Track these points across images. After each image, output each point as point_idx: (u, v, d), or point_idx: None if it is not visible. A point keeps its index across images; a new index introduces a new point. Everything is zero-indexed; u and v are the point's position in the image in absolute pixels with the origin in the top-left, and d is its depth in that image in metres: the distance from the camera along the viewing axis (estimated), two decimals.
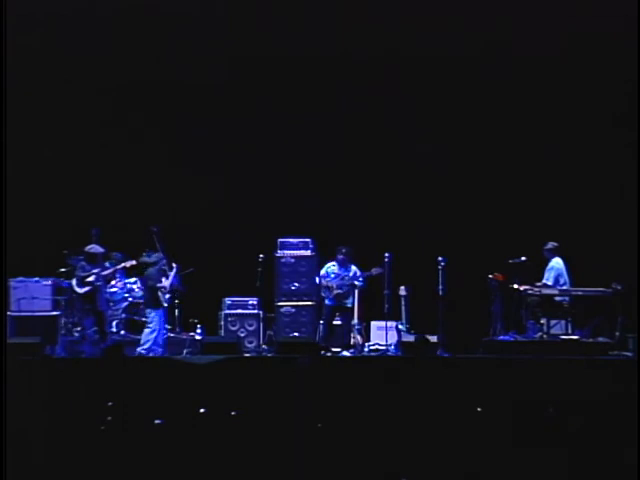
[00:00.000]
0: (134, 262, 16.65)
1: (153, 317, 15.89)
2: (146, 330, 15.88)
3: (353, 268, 16.60)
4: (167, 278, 16.12)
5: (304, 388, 12.99)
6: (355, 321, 16.53)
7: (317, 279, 16.82)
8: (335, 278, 16.60)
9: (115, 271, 16.69)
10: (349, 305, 16.57)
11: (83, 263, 15.98)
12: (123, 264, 16.56)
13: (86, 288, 15.88)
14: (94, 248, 16.06)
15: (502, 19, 17.85)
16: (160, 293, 15.97)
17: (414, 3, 18.01)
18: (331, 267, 16.70)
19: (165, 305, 16.11)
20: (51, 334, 16.07)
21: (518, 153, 18.13)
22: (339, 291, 16.53)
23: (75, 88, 18.21)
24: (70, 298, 16.54)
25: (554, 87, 18.01)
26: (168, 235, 17.47)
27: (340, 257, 16.66)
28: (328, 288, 16.60)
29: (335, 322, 16.79)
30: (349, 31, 18.02)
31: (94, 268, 15.93)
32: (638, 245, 16.77)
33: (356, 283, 16.52)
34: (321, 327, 16.83)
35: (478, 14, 17.90)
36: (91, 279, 15.87)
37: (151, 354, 15.42)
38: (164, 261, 16.21)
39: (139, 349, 15.67)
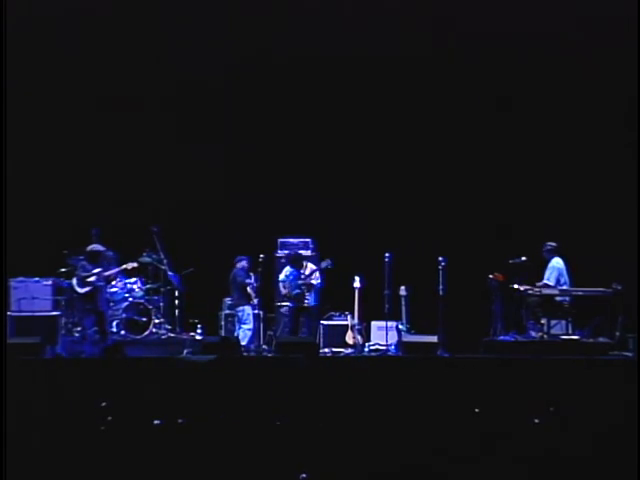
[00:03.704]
0: (135, 264, 16.67)
1: (248, 315, 16.43)
2: (244, 327, 16.36)
3: (309, 266, 16.55)
4: (250, 277, 16.56)
5: (304, 388, 12.99)
6: (355, 321, 16.52)
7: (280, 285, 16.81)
8: (293, 279, 16.55)
9: (116, 272, 16.70)
10: (308, 304, 16.47)
11: (84, 263, 15.97)
12: (124, 266, 16.55)
13: (87, 288, 15.87)
14: (95, 248, 16.06)
15: (502, 16, 17.86)
16: (249, 289, 16.45)
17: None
18: (288, 270, 16.66)
19: (255, 301, 16.60)
20: (51, 334, 16.05)
21: (518, 153, 18.12)
22: (297, 291, 16.47)
23: (75, 88, 18.19)
24: (70, 298, 16.55)
25: (554, 87, 18.00)
26: (168, 235, 17.52)
27: (293, 258, 16.70)
28: (284, 290, 16.58)
29: (335, 322, 16.80)
30: (349, 31, 18.03)
31: (95, 268, 15.91)
32: (638, 245, 16.77)
33: (313, 282, 16.44)
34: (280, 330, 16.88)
35: (477, 9, 17.91)
36: (92, 279, 15.86)
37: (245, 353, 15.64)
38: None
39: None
